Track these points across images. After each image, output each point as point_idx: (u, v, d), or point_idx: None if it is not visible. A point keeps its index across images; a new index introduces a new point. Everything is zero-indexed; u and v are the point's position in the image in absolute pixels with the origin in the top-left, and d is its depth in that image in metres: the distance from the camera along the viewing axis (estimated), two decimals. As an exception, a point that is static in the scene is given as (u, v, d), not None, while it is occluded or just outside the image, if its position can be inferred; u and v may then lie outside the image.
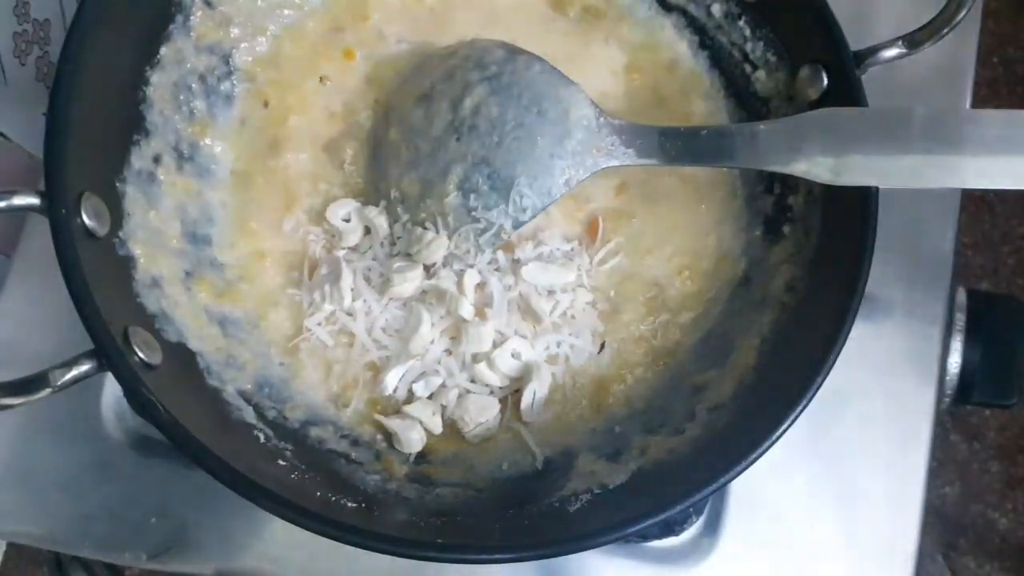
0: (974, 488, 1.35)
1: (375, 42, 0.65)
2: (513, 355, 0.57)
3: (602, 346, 0.60)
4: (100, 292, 0.47)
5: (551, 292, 0.59)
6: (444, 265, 0.58)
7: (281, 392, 0.57)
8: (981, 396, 0.66)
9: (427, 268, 0.58)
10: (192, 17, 0.59)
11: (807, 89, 0.58)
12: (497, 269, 0.59)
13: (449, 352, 0.58)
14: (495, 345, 0.57)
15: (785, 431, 0.48)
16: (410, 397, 0.58)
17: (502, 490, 0.55)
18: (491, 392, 0.58)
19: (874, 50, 0.56)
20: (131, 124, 0.56)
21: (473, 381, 0.58)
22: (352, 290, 0.58)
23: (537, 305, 0.58)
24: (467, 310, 0.56)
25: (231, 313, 0.58)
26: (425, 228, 0.58)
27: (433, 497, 0.54)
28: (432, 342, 0.58)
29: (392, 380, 0.57)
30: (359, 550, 0.45)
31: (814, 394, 0.49)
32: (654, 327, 0.60)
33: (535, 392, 0.57)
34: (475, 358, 0.57)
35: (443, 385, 0.58)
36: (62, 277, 0.47)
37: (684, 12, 0.65)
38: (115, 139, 0.55)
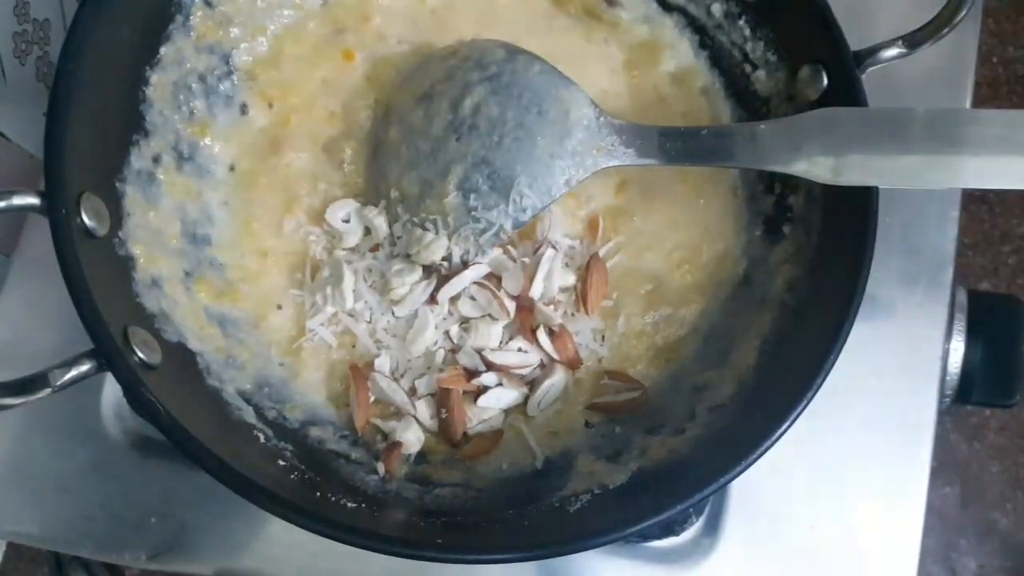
0: (974, 488, 1.35)
1: (375, 42, 0.65)
2: (520, 350, 0.58)
3: (603, 338, 0.60)
4: (100, 292, 0.47)
5: (552, 292, 0.59)
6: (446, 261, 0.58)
7: (281, 392, 0.57)
8: (981, 396, 0.66)
9: (426, 269, 0.58)
10: (192, 17, 0.59)
11: (807, 89, 0.58)
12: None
13: (453, 351, 0.58)
14: (502, 343, 0.58)
15: (785, 431, 0.48)
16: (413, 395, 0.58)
17: (502, 490, 0.55)
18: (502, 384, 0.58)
19: (874, 50, 0.56)
20: (131, 124, 0.56)
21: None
22: (354, 291, 0.58)
23: (539, 306, 0.58)
24: (515, 282, 0.57)
25: (231, 313, 0.58)
26: (425, 228, 0.58)
27: (433, 497, 0.54)
28: (435, 343, 0.58)
29: (388, 380, 0.57)
30: (359, 550, 0.45)
31: (814, 394, 0.49)
32: (654, 321, 0.60)
33: (550, 388, 0.57)
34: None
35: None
36: (62, 277, 0.47)
37: (684, 12, 0.65)
38: (115, 139, 0.55)
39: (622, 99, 0.65)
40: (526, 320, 0.58)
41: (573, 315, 0.59)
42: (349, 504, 0.50)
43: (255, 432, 0.53)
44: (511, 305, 0.57)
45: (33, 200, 0.47)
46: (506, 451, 0.57)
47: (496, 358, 0.57)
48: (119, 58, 0.55)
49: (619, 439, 0.57)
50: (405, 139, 0.60)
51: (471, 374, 0.57)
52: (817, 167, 0.53)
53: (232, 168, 0.61)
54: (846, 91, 0.55)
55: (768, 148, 0.55)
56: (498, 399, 0.57)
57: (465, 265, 0.58)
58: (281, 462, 0.52)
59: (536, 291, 0.58)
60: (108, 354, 0.46)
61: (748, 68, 0.63)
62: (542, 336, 0.57)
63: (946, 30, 0.55)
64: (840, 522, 0.63)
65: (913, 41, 0.56)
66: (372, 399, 0.57)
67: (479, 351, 0.57)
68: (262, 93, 0.63)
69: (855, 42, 0.56)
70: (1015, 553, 1.32)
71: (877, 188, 0.52)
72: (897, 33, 0.56)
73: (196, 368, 0.54)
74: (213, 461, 0.46)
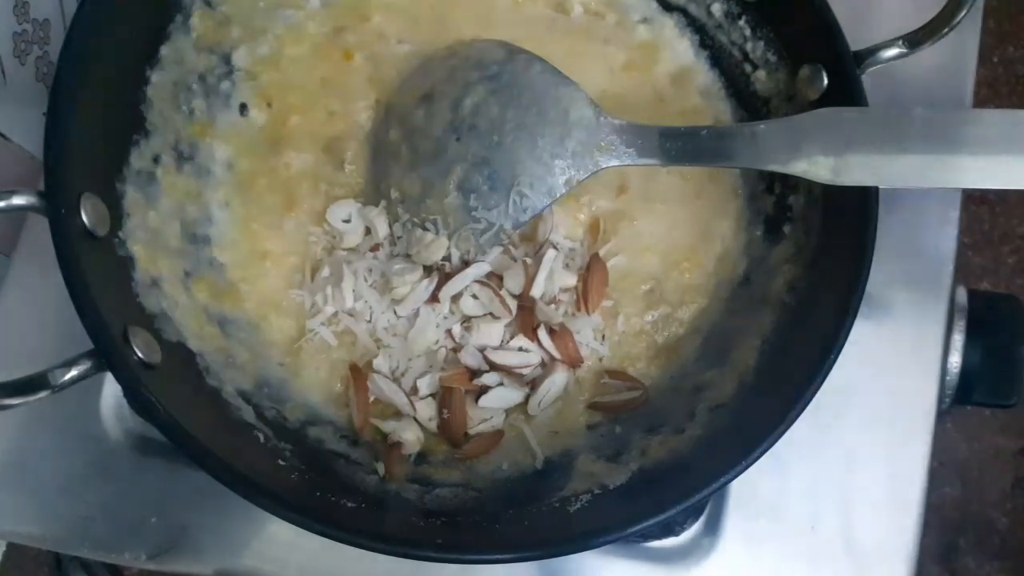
0: (974, 488, 1.35)
1: (376, 42, 0.65)
2: (521, 349, 0.58)
3: (603, 337, 0.60)
4: (100, 292, 0.47)
5: (553, 292, 0.59)
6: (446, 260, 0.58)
7: (280, 392, 0.57)
8: (981, 396, 0.66)
9: (427, 268, 0.58)
10: (192, 17, 0.59)
11: (807, 89, 0.58)
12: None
13: (455, 350, 0.58)
14: (503, 342, 0.58)
15: (785, 431, 0.48)
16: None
17: (502, 490, 0.55)
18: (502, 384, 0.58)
19: (874, 50, 0.56)
20: (131, 124, 0.56)
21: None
22: (354, 291, 0.58)
23: (540, 305, 0.58)
24: (517, 281, 0.57)
25: (231, 313, 0.58)
26: (425, 228, 0.58)
27: (433, 497, 0.54)
28: (436, 342, 0.58)
29: (388, 381, 0.57)
30: (359, 550, 0.45)
31: (814, 394, 0.49)
32: (654, 320, 0.60)
33: (551, 387, 0.57)
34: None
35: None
36: (62, 277, 0.47)
37: (684, 12, 0.65)
38: (115, 139, 0.55)
39: (622, 99, 0.64)
40: (527, 319, 0.58)
41: (574, 315, 0.59)
42: (349, 504, 0.50)
43: (255, 432, 0.53)
44: (513, 303, 0.57)
45: (33, 200, 0.47)
46: (506, 451, 0.57)
47: (497, 357, 0.57)
48: (119, 58, 0.55)
49: (619, 439, 0.57)
50: (405, 139, 0.60)
51: (473, 373, 0.57)
52: (817, 167, 0.53)
53: (232, 168, 0.61)
54: (846, 91, 0.55)
55: (768, 148, 0.54)
56: (500, 399, 0.57)
57: (466, 265, 0.58)
58: (281, 462, 0.52)
59: (537, 290, 0.58)
60: (108, 354, 0.46)
61: (748, 68, 0.63)
62: (543, 335, 0.57)
63: (946, 30, 0.55)
64: (840, 522, 0.63)
65: (913, 41, 0.56)
66: (372, 399, 0.57)
67: (481, 350, 0.57)
68: (262, 93, 0.63)
69: (855, 42, 0.56)
70: (1015, 553, 1.32)
71: (877, 188, 0.52)
72: (897, 33, 0.56)
73: (196, 368, 0.54)
74: (213, 461, 0.46)
